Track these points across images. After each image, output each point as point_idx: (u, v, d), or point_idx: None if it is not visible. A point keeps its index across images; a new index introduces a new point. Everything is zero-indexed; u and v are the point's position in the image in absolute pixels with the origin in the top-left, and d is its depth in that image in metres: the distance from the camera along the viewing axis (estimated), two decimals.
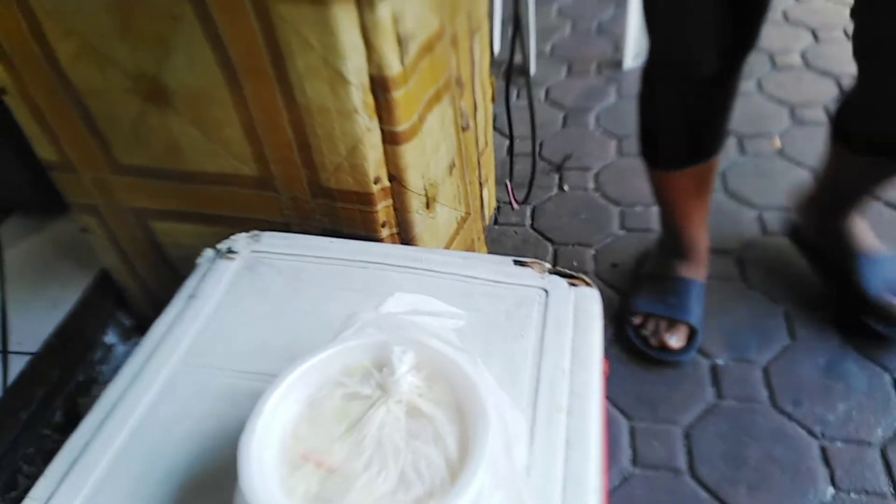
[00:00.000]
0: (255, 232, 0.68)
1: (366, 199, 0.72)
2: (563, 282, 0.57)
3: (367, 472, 0.36)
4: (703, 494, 0.83)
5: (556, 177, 1.42)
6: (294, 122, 0.68)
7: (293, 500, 0.35)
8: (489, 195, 1.19)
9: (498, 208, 1.37)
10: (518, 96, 1.69)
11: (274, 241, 0.65)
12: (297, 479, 0.36)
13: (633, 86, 1.77)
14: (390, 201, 0.74)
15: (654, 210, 1.30)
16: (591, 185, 1.38)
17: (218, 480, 0.44)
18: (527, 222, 1.33)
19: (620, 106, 1.63)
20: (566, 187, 1.39)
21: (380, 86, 0.63)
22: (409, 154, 0.70)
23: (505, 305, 0.56)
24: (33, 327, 0.98)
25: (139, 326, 1.06)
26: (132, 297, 1.02)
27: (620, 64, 1.80)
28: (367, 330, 0.45)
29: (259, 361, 0.54)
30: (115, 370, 1.02)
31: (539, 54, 1.84)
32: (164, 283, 0.97)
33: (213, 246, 0.88)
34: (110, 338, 1.01)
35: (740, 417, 0.91)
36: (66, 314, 0.99)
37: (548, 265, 0.60)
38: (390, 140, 0.68)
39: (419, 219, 0.76)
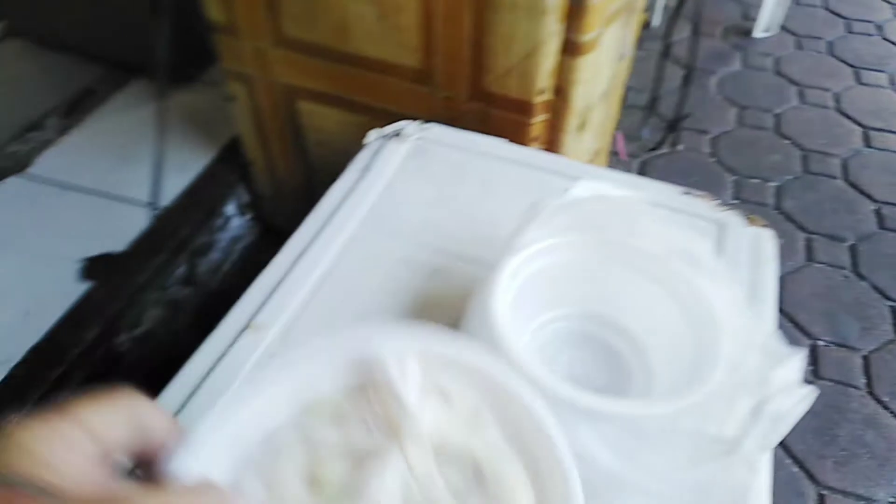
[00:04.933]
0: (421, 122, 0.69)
1: (525, 108, 0.72)
2: (741, 219, 0.57)
3: None
4: (788, 461, 0.84)
5: (670, 135, 1.39)
6: (476, 16, 0.68)
7: None
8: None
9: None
10: (639, 47, 1.63)
11: (442, 133, 0.66)
12: None
13: (759, 57, 1.70)
14: (547, 116, 0.74)
15: (771, 185, 1.27)
16: (706, 148, 1.35)
17: None
18: None
19: (745, 75, 1.57)
20: (680, 147, 1.35)
21: None
22: (583, 68, 0.69)
23: None
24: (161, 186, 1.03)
25: (254, 203, 1.10)
26: (256, 173, 1.05)
27: (749, 32, 1.72)
28: (557, 219, 0.46)
29: (430, 237, 0.56)
30: (231, 239, 1.07)
31: (665, 8, 1.77)
32: (291, 164, 1.00)
33: (353, 135, 0.90)
34: (229, 209, 1.05)
35: (835, 398, 0.90)
36: (193, 178, 1.03)
37: (718, 200, 0.59)
38: (569, 50, 0.67)
39: (570, 140, 0.76)
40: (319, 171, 0.99)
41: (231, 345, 0.48)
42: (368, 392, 0.26)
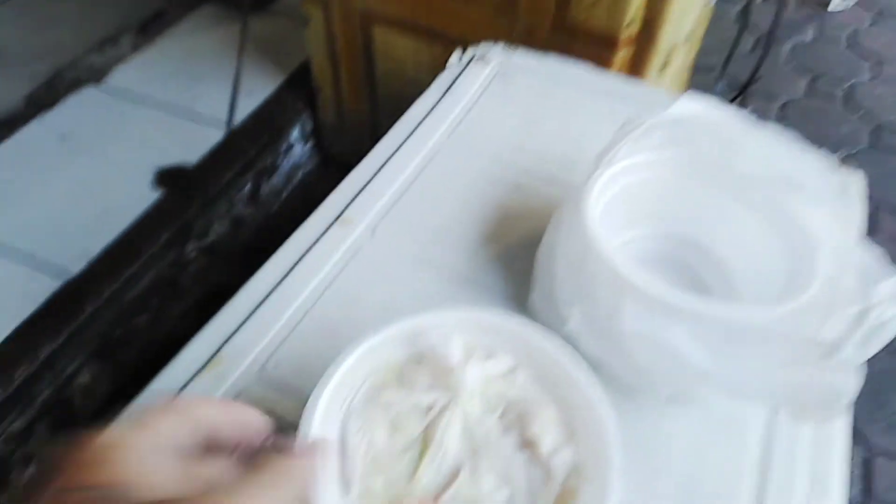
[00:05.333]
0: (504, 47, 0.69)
1: (610, 42, 0.72)
2: (831, 160, 0.56)
3: (476, 486, 0.28)
4: None
5: (739, 97, 1.35)
6: None
7: None
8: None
9: None
10: None
11: (526, 58, 0.66)
12: None
13: (834, 29, 1.63)
14: (631, 51, 0.73)
15: (837, 156, 1.24)
16: (773, 115, 1.32)
17: (467, 253, 0.49)
18: None
19: (818, 45, 1.52)
20: (747, 110, 1.32)
21: None
22: (676, 3, 0.68)
23: None
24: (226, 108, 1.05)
25: (317, 132, 1.11)
26: (322, 101, 1.06)
27: (825, 4, 1.66)
28: (652, 136, 0.46)
29: (511, 156, 0.57)
30: (293, 166, 1.09)
31: None
32: (358, 94, 1.01)
33: (424, 66, 0.90)
34: (294, 135, 1.07)
35: (890, 365, 0.90)
36: (262, 101, 1.05)
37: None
38: None
39: (652, 79, 0.75)
40: (384, 104, 1.00)
41: (321, 236, 0.50)
42: (424, 359, 0.32)
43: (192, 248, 0.89)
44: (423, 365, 0.32)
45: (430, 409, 0.31)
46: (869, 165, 1.22)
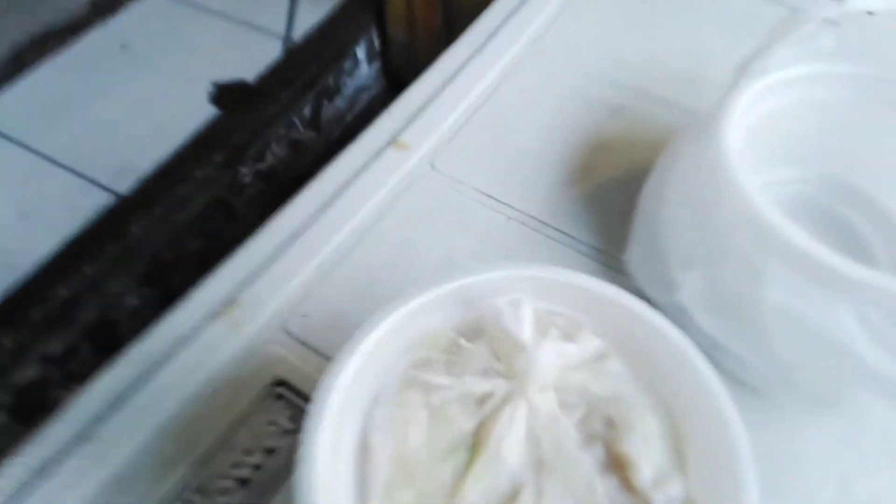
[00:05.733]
0: None
1: None
2: None
3: None
4: None
5: None
6: None
7: None
8: None
9: None
10: None
11: None
12: None
13: None
14: None
15: None
16: None
17: (548, 193, 0.39)
18: None
19: None
20: None
21: None
22: None
23: None
24: (284, 19, 0.96)
25: (384, 51, 1.01)
26: (392, 15, 0.96)
27: None
28: (821, 39, 0.34)
29: (612, 71, 0.45)
30: (357, 88, 1.00)
31: None
32: (430, 5, 0.90)
33: None
34: (359, 53, 0.98)
35: None
36: (323, 14, 0.96)
37: None
38: None
39: None
40: (460, 17, 0.88)
41: (367, 163, 0.41)
42: (483, 331, 0.24)
43: (247, 172, 0.83)
44: (480, 339, 0.24)
45: (485, 400, 0.22)
46: None
